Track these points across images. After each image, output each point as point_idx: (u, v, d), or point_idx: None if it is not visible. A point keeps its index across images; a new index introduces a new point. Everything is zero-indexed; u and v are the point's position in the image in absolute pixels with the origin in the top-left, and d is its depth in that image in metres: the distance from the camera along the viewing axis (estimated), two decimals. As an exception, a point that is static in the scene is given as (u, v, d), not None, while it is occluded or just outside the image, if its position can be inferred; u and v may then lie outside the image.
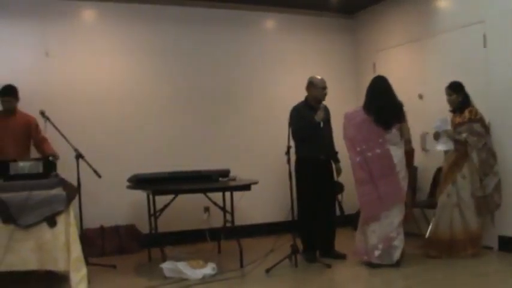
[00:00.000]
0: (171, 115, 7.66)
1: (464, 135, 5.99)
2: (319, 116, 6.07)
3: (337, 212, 6.54)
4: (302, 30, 8.56)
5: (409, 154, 6.19)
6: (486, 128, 6.06)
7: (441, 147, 6.20)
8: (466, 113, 6.08)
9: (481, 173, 5.96)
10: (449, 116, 6.27)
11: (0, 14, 6.89)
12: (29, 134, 6.31)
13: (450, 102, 6.23)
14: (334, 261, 6.06)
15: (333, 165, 6.46)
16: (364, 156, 5.79)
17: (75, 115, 7.01)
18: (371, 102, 5.88)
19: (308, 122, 6.13)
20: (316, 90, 6.31)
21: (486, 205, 6.00)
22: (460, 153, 6.05)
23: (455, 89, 6.17)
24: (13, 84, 6.25)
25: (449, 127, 6.11)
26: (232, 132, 7.97)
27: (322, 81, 6.34)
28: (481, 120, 6.04)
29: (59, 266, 4.92)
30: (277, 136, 6.49)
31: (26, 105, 6.37)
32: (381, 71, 7.25)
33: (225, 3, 7.95)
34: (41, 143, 6.31)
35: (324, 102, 6.32)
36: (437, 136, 6.21)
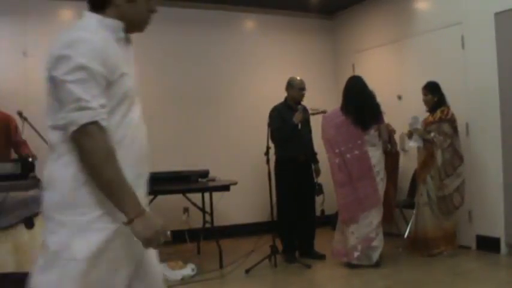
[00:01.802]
0: (150, 116, 7.53)
1: (432, 134, 6.06)
2: (297, 117, 6.08)
3: (318, 212, 6.57)
4: (282, 31, 8.57)
5: (393, 156, 6.27)
6: (455, 129, 6.12)
7: (412, 144, 6.28)
8: (438, 113, 6.15)
9: (443, 173, 6.02)
10: (424, 116, 6.33)
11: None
12: (8, 134, 6.21)
13: (426, 102, 6.28)
14: (313, 262, 6.08)
15: (312, 166, 6.48)
16: (343, 158, 5.81)
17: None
18: (348, 103, 5.89)
19: (286, 123, 6.15)
20: (294, 91, 6.33)
21: (445, 205, 6.05)
22: (428, 153, 6.13)
23: (431, 89, 6.23)
24: None
25: (419, 126, 6.19)
26: (212, 133, 7.95)
27: (301, 82, 6.35)
28: (450, 121, 6.10)
29: (37, 268, 4.87)
30: (257, 137, 6.50)
31: (4, 105, 6.29)
32: (360, 72, 7.29)
33: (205, 4, 7.93)
34: (19, 145, 6.22)
35: (304, 103, 6.34)
36: (410, 134, 6.28)
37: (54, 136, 2.12)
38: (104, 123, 2.01)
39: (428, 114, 6.32)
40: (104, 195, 2.03)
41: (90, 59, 2.00)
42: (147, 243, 2.07)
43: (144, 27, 2.41)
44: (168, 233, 2.18)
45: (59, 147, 2.10)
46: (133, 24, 2.31)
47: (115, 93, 2.12)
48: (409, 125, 6.27)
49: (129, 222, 2.03)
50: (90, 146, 1.98)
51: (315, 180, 6.49)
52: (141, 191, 2.22)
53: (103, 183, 2.01)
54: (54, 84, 2.06)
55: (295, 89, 6.33)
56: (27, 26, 7.01)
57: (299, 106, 6.20)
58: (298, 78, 6.40)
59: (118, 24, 2.22)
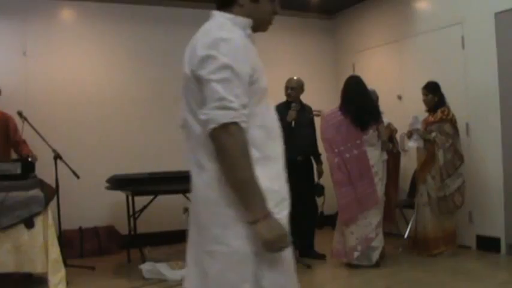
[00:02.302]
0: (151, 115, 7.61)
1: (433, 134, 6.06)
2: (290, 115, 6.08)
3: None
4: (282, 31, 8.53)
5: (394, 156, 6.27)
6: (455, 129, 6.12)
7: (412, 144, 6.26)
8: (439, 113, 6.15)
9: (445, 173, 6.02)
10: (424, 116, 6.33)
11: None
12: (8, 134, 6.21)
13: (426, 102, 6.28)
14: (313, 262, 6.07)
15: (314, 167, 6.47)
16: (343, 158, 5.79)
17: (54, 115, 6.95)
18: (347, 103, 5.86)
19: (281, 122, 6.14)
20: (285, 90, 6.36)
21: (446, 205, 6.05)
22: (429, 153, 6.12)
23: (431, 89, 6.22)
24: None
25: (419, 126, 6.18)
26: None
27: (290, 81, 6.38)
28: (451, 121, 6.10)
29: (37, 268, 4.87)
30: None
31: (3, 105, 6.30)
32: (360, 72, 7.29)
33: (205, 3, 7.91)
34: (19, 144, 6.22)
35: (307, 103, 6.35)
36: (410, 134, 6.28)
37: (200, 131, 2.19)
38: (243, 124, 2.07)
39: (427, 114, 6.32)
40: (233, 193, 2.10)
41: (234, 58, 2.09)
42: (269, 246, 2.11)
43: (267, 28, 2.47)
44: (290, 239, 2.23)
45: (205, 139, 2.15)
46: (257, 24, 2.35)
47: (256, 89, 2.21)
48: (409, 125, 6.26)
49: (254, 222, 2.08)
50: (229, 144, 2.05)
51: (317, 181, 6.48)
52: (283, 180, 2.37)
53: (236, 181, 2.08)
54: (200, 82, 2.13)
55: (285, 88, 6.36)
56: (28, 26, 7.01)
57: (292, 104, 6.17)
58: (294, 78, 6.40)
59: (247, 22, 2.29)
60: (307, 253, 6.32)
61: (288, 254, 2.38)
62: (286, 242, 2.17)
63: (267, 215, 2.09)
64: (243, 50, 2.15)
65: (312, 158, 6.49)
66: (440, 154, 6.02)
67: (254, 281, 2.18)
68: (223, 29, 2.19)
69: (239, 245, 2.15)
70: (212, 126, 2.04)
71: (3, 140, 6.16)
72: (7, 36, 6.94)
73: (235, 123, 2.04)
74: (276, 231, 2.11)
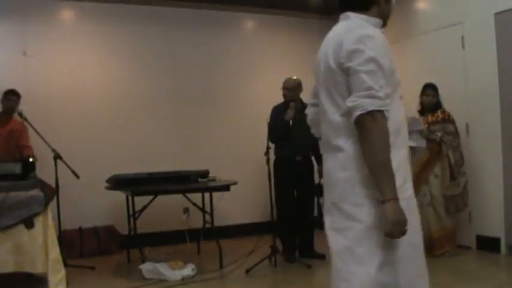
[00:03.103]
0: (151, 115, 7.62)
1: (439, 134, 6.06)
2: (288, 114, 6.08)
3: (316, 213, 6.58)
4: (283, 31, 8.57)
5: None
6: (456, 130, 6.16)
7: (412, 144, 6.23)
8: (439, 113, 6.16)
9: (456, 172, 6.03)
10: (416, 116, 6.32)
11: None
12: (19, 140, 6.23)
13: (427, 102, 6.27)
14: (313, 262, 6.07)
15: (315, 167, 6.46)
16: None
17: (53, 115, 6.96)
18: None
19: (279, 121, 6.16)
20: (282, 90, 6.38)
21: (455, 204, 6.07)
22: (433, 152, 6.13)
23: (435, 90, 6.23)
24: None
25: (421, 127, 6.16)
26: (212, 132, 7.96)
27: (285, 81, 6.40)
28: (453, 122, 6.15)
29: (37, 268, 4.86)
30: (257, 136, 6.50)
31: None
32: (361, 72, 7.27)
33: (206, 4, 7.93)
34: (24, 148, 6.21)
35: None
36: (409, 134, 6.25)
37: (339, 119, 2.43)
38: (386, 113, 2.27)
39: (418, 114, 6.31)
40: (370, 173, 2.28)
41: (378, 52, 2.32)
42: (389, 227, 2.24)
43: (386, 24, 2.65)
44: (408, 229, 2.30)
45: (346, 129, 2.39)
46: (384, 22, 2.60)
47: (392, 82, 2.42)
48: (408, 124, 6.23)
49: (384, 201, 2.23)
50: (373, 129, 2.24)
51: (318, 182, 6.48)
52: (408, 167, 2.51)
53: (376, 163, 2.25)
54: (348, 73, 2.35)
55: (282, 89, 6.37)
56: (28, 26, 7.02)
57: (290, 103, 6.17)
58: (293, 78, 6.40)
59: (379, 21, 2.55)
60: (307, 253, 6.32)
61: (419, 241, 2.62)
62: (404, 229, 2.27)
63: (395, 199, 2.23)
64: (384, 46, 2.39)
65: (312, 158, 6.47)
66: (450, 154, 6.03)
67: (382, 259, 2.34)
68: (365, 27, 2.42)
69: (371, 221, 2.32)
70: (359, 112, 2.24)
71: (14, 145, 6.17)
72: (7, 36, 6.94)
73: (381, 111, 2.25)
74: (398, 216, 2.23)
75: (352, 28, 2.42)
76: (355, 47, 2.33)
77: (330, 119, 2.48)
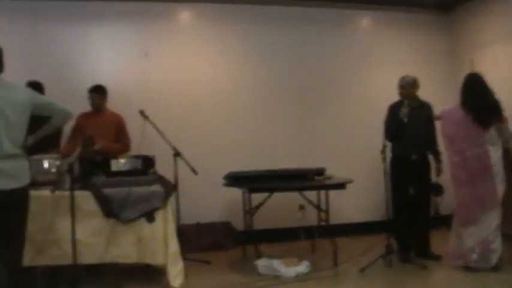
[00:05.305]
0: (266, 115, 7.70)
1: None
2: (402, 112, 6.00)
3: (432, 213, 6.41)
4: (397, 28, 8.38)
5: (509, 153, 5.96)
6: None
7: None
8: None
9: None
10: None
11: (103, 16, 7.20)
12: (118, 132, 6.45)
13: None
14: (429, 262, 5.91)
15: (432, 165, 6.29)
16: (463, 156, 5.60)
17: (173, 114, 7.20)
18: (469, 101, 5.66)
19: (394, 120, 6.07)
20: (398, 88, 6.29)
21: None
22: None
23: None
24: (102, 84, 6.47)
25: None
26: (328, 131, 7.92)
27: (401, 79, 6.29)
28: None
29: (157, 260, 5.05)
30: (374, 135, 6.40)
31: (126, 104, 6.61)
32: (480, 69, 6.95)
33: (321, 2, 7.92)
34: (124, 147, 6.43)
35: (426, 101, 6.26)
36: None
37: None
38: None
39: None
40: None
41: None
42: None
43: None
44: None
45: None
46: None
47: None
48: None
49: None
50: None
51: (435, 180, 6.30)
52: None
53: None
54: None
55: (398, 87, 6.27)
56: (148, 28, 7.32)
57: (404, 101, 6.07)
58: (408, 75, 6.29)
59: None
60: (422, 254, 6.17)
61: None
62: None
63: None
64: None
65: (429, 156, 6.31)
66: None
67: None
68: None
69: None
70: None
71: (114, 137, 6.39)
72: (131, 39, 7.27)
73: None
74: None
75: None
76: None
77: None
